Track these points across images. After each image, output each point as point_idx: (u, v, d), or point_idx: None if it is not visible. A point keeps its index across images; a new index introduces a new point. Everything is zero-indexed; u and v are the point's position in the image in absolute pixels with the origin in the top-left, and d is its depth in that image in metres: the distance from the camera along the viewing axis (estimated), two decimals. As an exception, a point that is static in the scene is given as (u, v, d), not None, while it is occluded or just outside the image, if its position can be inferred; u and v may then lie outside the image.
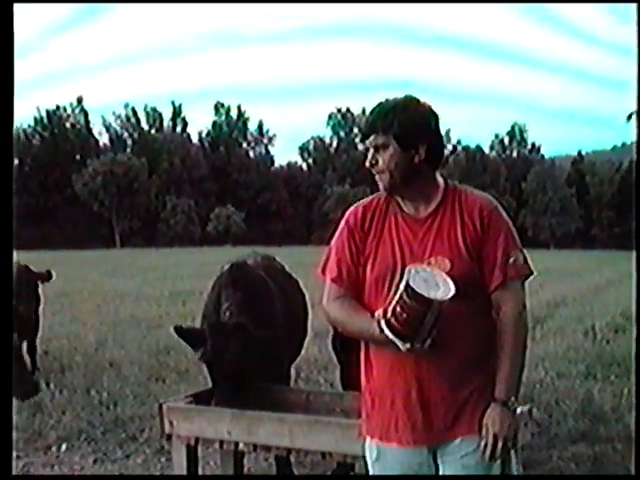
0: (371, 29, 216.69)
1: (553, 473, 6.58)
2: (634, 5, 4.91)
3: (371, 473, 3.65)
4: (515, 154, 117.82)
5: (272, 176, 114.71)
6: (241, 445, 5.21)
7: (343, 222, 3.63)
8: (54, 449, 7.56)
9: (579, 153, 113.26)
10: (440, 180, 3.52)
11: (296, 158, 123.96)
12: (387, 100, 3.47)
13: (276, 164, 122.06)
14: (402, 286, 3.15)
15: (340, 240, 3.60)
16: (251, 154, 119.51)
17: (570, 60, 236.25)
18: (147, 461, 7.22)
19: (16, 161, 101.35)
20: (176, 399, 5.62)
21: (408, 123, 3.36)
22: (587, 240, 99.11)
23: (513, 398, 3.37)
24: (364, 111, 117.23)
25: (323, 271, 3.66)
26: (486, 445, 3.34)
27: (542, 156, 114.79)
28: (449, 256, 3.34)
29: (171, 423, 5.32)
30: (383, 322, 3.22)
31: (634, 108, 4.59)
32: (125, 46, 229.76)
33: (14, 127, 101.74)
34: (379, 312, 3.29)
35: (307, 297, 7.26)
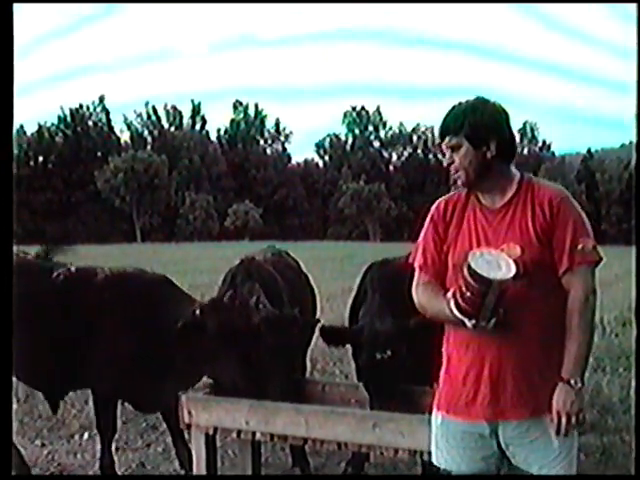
0: (383, 32, 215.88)
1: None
2: (634, 5, 4.99)
3: (433, 438, 3.89)
4: (526, 151, 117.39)
5: (289, 173, 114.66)
6: (258, 435, 5.32)
7: (429, 215, 3.92)
8: (77, 437, 7.67)
9: (588, 151, 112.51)
10: (515, 173, 3.77)
11: (312, 155, 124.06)
12: (459, 103, 3.75)
13: (293, 161, 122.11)
14: (465, 267, 3.42)
15: (425, 231, 3.89)
16: (268, 151, 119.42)
17: (579, 61, 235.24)
18: (167, 450, 7.31)
19: (40, 158, 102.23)
20: (195, 390, 5.70)
21: (477, 123, 3.65)
22: (596, 235, 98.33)
23: (578, 378, 3.54)
24: (378, 109, 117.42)
25: (413, 261, 3.93)
26: (556, 422, 3.54)
27: (553, 153, 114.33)
28: (520, 243, 3.57)
29: (190, 413, 5.43)
30: (452, 302, 3.51)
31: (635, 108, 4.66)
32: (146, 45, 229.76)
33: (39, 125, 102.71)
34: (450, 293, 3.56)
35: (322, 290, 7.34)
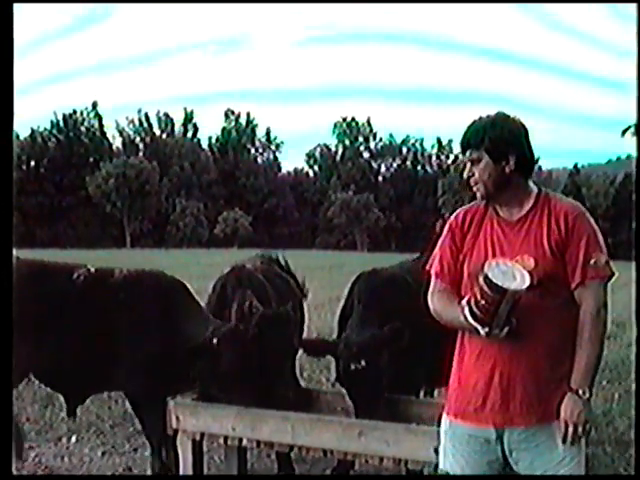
0: (377, 36, 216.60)
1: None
2: (634, 5, 5.04)
3: (441, 442, 3.98)
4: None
5: (279, 182, 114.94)
6: (245, 441, 5.40)
7: (447, 224, 4.01)
8: (64, 441, 7.70)
9: (575, 166, 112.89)
10: (533, 187, 3.85)
11: (302, 165, 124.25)
12: (480, 117, 3.83)
13: (283, 170, 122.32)
14: (482, 276, 3.52)
15: (443, 240, 3.97)
16: (259, 160, 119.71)
17: (568, 65, 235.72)
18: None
19: (32, 163, 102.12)
20: (183, 395, 5.72)
21: (497, 138, 3.74)
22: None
23: (586, 388, 3.64)
24: (369, 121, 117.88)
25: (430, 268, 4.02)
26: (562, 431, 3.64)
27: (540, 168, 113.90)
28: (534, 255, 3.66)
29: (177, 418, 5.50)
30: (467, 309, 3.61)
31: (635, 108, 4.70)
32: (139, 50, 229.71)
33: (32, 130, 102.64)
34: (464, 300, 3.66)
35: (309, 299, 7.39)
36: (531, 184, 3.87)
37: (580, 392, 3.63)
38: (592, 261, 3.65)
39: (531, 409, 3.70)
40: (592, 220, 3.78)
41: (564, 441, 3.64)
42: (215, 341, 5.56)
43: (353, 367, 5.33)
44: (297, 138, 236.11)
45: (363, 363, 5.31)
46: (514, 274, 3.53)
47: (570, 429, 3.62)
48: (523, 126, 3.85)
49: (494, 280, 3.47)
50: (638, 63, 4.58)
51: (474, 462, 3.83)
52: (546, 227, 3.71)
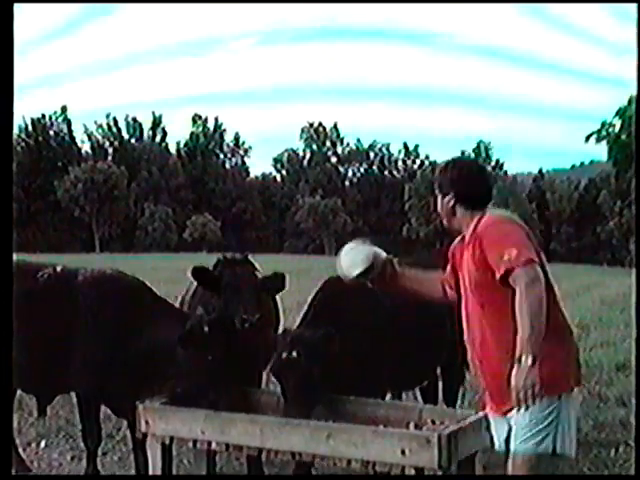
0: (345, 34, 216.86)
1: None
2: (634, 5, 5.15)
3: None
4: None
5: (247, 186, 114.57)
6: (214, 444, 5.43)
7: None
8: (34, 445, 7.69)
9: (540, 171, 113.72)
10: (476, 214, 4.56)
11: (270, 169, 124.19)
12: (445, 161, 4.82)
13: (251, 175, 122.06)
14: None
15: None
16: (227, 165, 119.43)
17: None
18: (123, 459, 7.33)
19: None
20: (152, 399, 5.73)
21: (443, 179, 4.69)
22: (546, 254, 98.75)
23: (526, 355, 4.05)
24: (336, 125, 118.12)
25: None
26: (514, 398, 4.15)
27: (505, 172, 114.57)
28: (469, 270, 4.48)
29: (147, 422, 5.51)
30: None
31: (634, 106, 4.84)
32: (104, 55, 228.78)
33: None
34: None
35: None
36: (476, 212, 4.55)
37: (522, 359, 4.06)
38: (505, 257, 4.18)
39: (504, 396, 4.23)
40: (506, 223, 4.45)
41: (517, 406, 4.13)
42: (206, 328, 5.60)
43: (284, 356, 5.44)
44: (265, 143, 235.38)
45: (294, 354, 5.41)
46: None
47: (520, 395, 4.06)
48: (475, 167, 4.81)
49: None
50: (638, 62, 4.73)
51: (499, 443, 4.61)
52: (471, 246, 4.46)
